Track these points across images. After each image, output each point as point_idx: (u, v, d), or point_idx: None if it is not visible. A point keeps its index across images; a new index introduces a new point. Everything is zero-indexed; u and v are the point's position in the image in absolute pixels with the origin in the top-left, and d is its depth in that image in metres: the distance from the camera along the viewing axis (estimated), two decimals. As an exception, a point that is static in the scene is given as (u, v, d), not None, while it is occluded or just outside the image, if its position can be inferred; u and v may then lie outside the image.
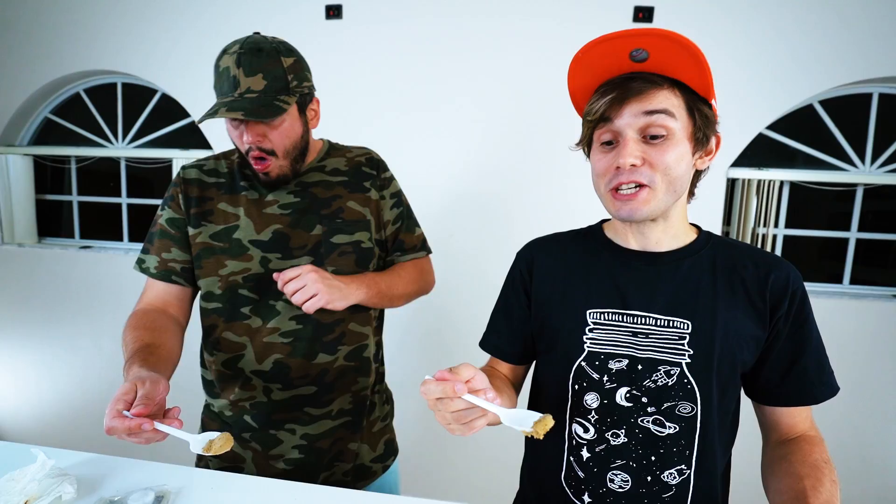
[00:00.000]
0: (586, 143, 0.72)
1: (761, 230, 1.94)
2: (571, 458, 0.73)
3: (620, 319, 0.70)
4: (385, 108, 2.02)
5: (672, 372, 0.67)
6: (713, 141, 0.69)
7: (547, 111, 1.94)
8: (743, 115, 1.87)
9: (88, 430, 2.48)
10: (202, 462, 0.99)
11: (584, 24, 1.89)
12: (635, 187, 0.65)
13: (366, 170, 1.01)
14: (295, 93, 0.87)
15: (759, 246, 1.95)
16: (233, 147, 0.99)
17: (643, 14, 1.85)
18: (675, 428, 0.67)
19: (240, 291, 0.92)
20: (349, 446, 0.98)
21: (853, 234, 2.00)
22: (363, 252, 0.97)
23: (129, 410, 0.62)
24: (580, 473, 0.72)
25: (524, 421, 0.56)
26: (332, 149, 1.04)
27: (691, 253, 0.72)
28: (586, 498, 0.72)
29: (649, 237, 0.71)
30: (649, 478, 0.68)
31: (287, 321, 0.92)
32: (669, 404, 0.67)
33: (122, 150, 2.37)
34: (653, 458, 0.68)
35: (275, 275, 0.86)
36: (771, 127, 1.95)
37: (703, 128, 0.66)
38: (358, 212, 0.97)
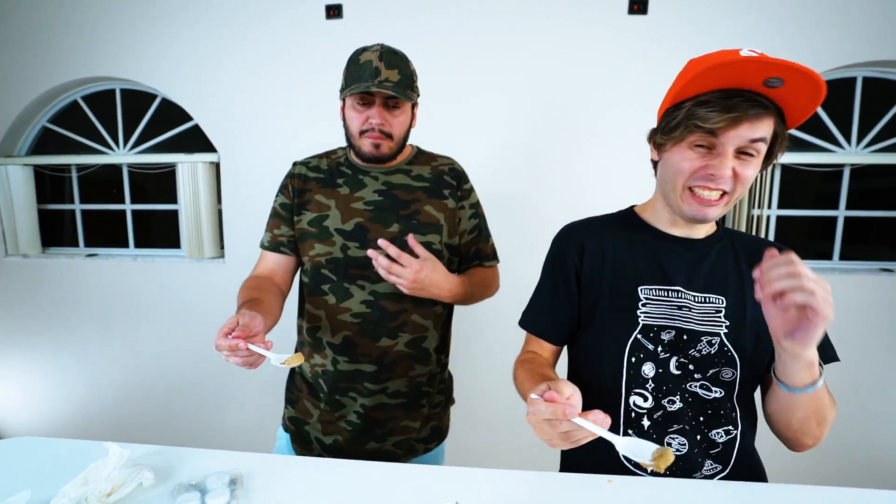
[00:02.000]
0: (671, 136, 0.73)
1: (755, 212, 2.03)
2: (630, 431, 0.78)
3: (667, 295, 0.77)
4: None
5: (714, 342, 0.75)
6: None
7: (550, 109, 1.99)
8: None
9: (102, 438, 2.48)
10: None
11: (580, 17, 1.94)
12: (721, 194, 0.71)
13: (447, 178, 1.13)
14: (416, 91, 1.06)
15: (754, 225, 2.04)
16: (335, 148, 1.18)
17: (638, 6, 1.91)
18: (721, 392, 0.75)
19: (322, 271, 1.07)
20: (402, 423, 1.09)
21: (841, 213, 2.10)
22: (433, 252, 1.06)
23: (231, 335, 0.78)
24: None
25: (642, 452, 0.54)
26: (420, 154, 1.17)
27: (717, 240, 0.81)
28: None
29: (695, 228, 0.80)
30: (699, 437, 0.75)
31: (358, 304, 1.05)
32: (714, 371, 0.75)
33: (123, 156, 2.37)
34: (701, 420, 0.75)
35: (371, 252, 0.95)
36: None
37: (777, 148, 0.72)
38: (433, 216, 1.08)
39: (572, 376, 0.88)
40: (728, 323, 0.75)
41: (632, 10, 1.90)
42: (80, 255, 2.46)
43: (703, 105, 0.68)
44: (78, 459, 0.75)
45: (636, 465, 0.76)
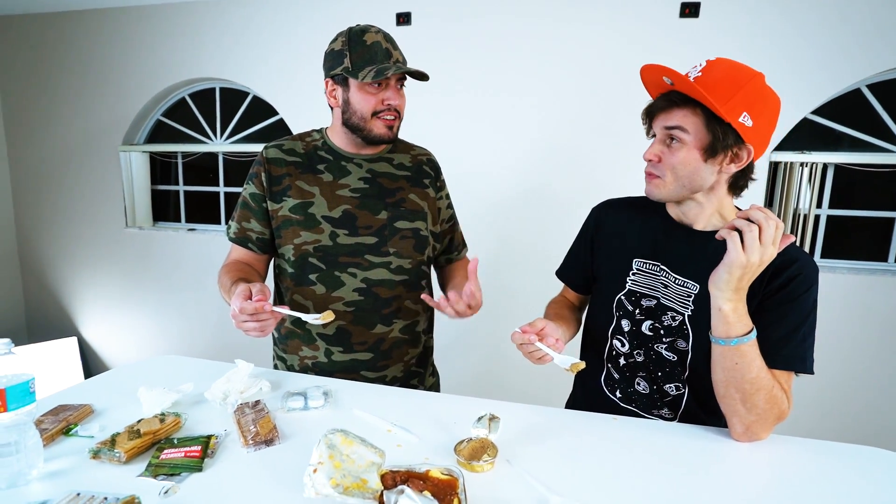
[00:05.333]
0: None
1: (804, 210, 2.05)
2: (610, 365, 1.00)
3: (656, 271, 0.93)
4: (454, 104, 2.27)
5: (677, 318, 0.90)
6: (744, 151, 0.81)
7: (600, 110, 2.12)
8: (787, 102, 1.95)
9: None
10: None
11: (634, 20, 2.04)
12: (655, 176, 0.88)
13: (426, 169, 1.16)
14: None
15: (800, 224, 2.06)
16: (307, 131, 1.15)
17: (689, 10, 1.98)
18: (675, 357, 0.92)
19: (309, 259, 1.06)
20: None
21: (900, 214, 2.07)
22: (421, 238, 1.11)
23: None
24: (615, 375, 1.00)
25: (565, 361, 0.82)
26: (398, 142, 1.17)
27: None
28: (618, 394, 1.00)
29: (686, 214, 0.92)
30: (655, 386, 0.95)
31: (351, 292, 1.06)
32: (671, 339, 0.91)
33: (220, 145, 2.76)
34: (659, 374, 0.94)
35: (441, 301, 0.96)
36: (816, 112, 2.04)
37: (718, 142, 0.79)
38: (418, 204, 1.12)
39: (587, 317, 1.08)
40: (693, 307, 0.88)
41: (683, 14, 1.98)
42: (182, 229, 2.89)
43: (647, 106, 0.89)
44: (209, 372, 1.04)
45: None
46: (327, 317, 0.89)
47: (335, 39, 1.05)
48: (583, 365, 0.80)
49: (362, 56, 0.99)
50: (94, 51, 2.78)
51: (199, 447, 0.74)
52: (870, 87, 2.01)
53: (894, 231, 2.09)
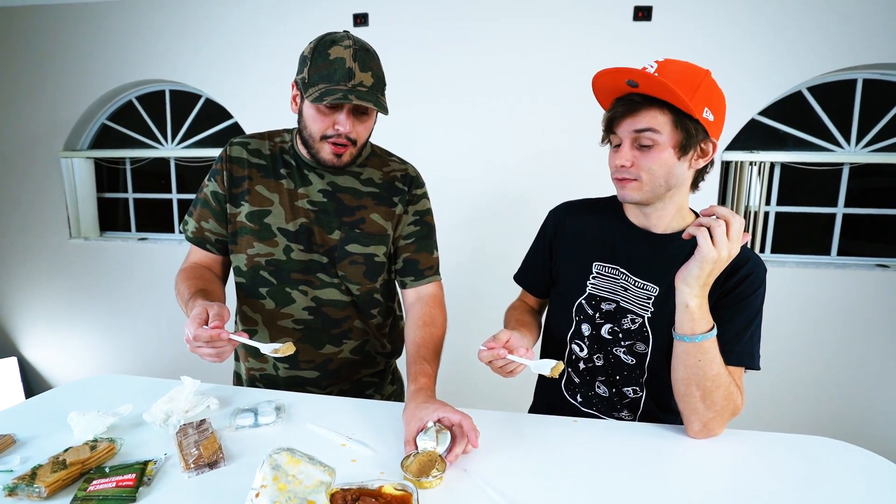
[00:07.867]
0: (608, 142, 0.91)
1: (754, 208, 2.13)
2: (570, 369, 1.00)
3: (615, 274, 0.93)
4: (411, 109, 2.24)
5: (636, 321, 0.90)
6: (709, 146, 0.83)
7: (556, 112, 2.14)
8: (736, 103, 2.05)
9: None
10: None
11: (588, 24, 2.08)
12: (630, 179, 0.85)
13: (398, 185, 1.04)
14: (384, 93, 0.93)
15: (751, 220, 2.14)
16: (279, 130, 1.05)
17: (643, 13, 2.03)
18: (633, 360, 0.92)
19: (260, 272, 1.00)
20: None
21: (840, 210, 2.18)
22: (374, 265, 1.03)
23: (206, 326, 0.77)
24: (575, 380, 0.99)
25: (544, 367, 0.78)
26: (374, 156, 1.06)
27: (677, 238, 0.88)
28: (578, 398, 0.99)
29: (648, 217, 0.92)
30: (614, 389, 0.95)
31: (300, 310, 1.01)
32: (630, 342, 0.91)
33: (171, 150, 2.63)
34: (618, 378, 0.94)
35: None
36: (762, 113, 2.13)
37: (690, 138, 0.80)
38: (379, 225, 1.01)
39: (546, 322, 1.07)
40: (653, 309, 0.88)
41: (636, 17, 2.03)
42: (132, 238, 2.74)
43: (608, 113, 0.87)
44: (153, 390, 0.97)
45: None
46: (287, 350, 0.83)
47: (311, 42, 0.94)
48: (562, 366, 0.77)
49: (319, 71, 0.88)
50: (31, 49, 2.60)
51: (134, 475, 0.68)
52: (809, 89, 2.12)
53: (835, 226, 2.21)
